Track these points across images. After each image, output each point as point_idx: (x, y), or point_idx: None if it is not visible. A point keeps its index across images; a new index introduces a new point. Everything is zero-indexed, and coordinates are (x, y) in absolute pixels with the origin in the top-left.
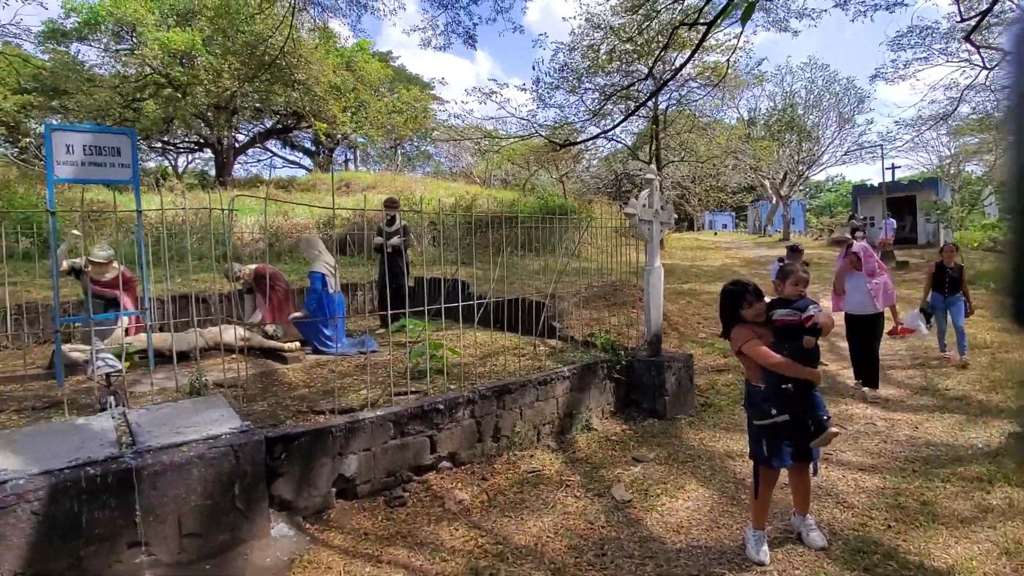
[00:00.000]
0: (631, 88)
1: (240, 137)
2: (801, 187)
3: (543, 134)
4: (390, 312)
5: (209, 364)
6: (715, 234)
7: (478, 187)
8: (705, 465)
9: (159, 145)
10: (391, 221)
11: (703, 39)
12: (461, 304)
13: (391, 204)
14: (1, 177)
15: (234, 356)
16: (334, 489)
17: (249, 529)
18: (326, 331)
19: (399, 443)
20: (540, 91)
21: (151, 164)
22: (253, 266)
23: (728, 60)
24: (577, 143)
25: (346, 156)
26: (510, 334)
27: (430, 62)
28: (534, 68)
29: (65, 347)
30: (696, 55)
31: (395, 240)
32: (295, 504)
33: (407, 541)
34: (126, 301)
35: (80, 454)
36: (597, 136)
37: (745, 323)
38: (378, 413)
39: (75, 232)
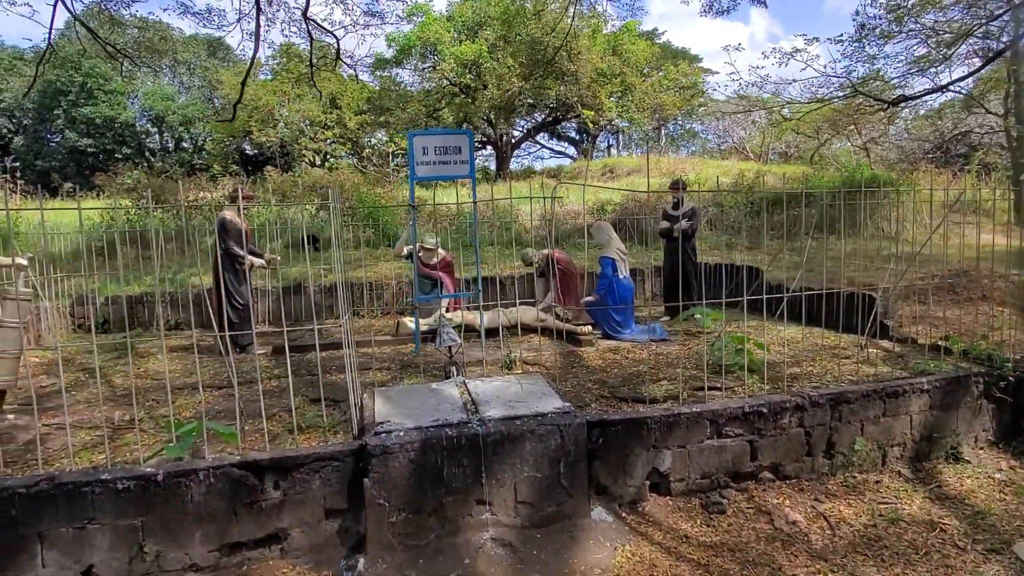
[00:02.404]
0: (992, 22)
1: (515, 133)
2: None
3: (861, 90)
4: (680, 302)
5: (514, 341)
6: None
7: (753, 163)
8: None
9: None
10: (676, 204)
11: None
12: (765, 296)
13: (678, 186)
14: (349, 182)
15: (533, 336)
16: (648, 482)
17: (572, 507)
18: (616, 316)
19: (716, 444)
20: (863, 40)
21: None
22: (546, 251)
23: None
24: (911, 98)
25: (608, 142)
26: (821, 330)
27: (698, 31)
28: (856, 14)
29: (407, 320)
30: None
31: (683, 224)
32: (611, 491)
33: (736, 556)
34: (447, 282)
35: (439, 415)
36: (945, 86)
37: None
38: (694, 409)
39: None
